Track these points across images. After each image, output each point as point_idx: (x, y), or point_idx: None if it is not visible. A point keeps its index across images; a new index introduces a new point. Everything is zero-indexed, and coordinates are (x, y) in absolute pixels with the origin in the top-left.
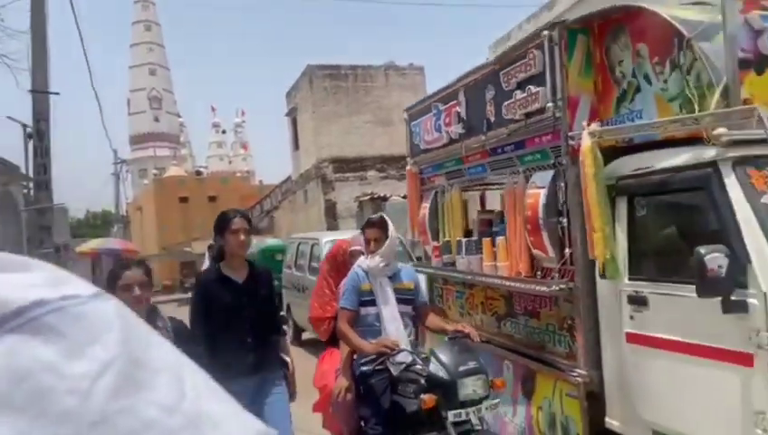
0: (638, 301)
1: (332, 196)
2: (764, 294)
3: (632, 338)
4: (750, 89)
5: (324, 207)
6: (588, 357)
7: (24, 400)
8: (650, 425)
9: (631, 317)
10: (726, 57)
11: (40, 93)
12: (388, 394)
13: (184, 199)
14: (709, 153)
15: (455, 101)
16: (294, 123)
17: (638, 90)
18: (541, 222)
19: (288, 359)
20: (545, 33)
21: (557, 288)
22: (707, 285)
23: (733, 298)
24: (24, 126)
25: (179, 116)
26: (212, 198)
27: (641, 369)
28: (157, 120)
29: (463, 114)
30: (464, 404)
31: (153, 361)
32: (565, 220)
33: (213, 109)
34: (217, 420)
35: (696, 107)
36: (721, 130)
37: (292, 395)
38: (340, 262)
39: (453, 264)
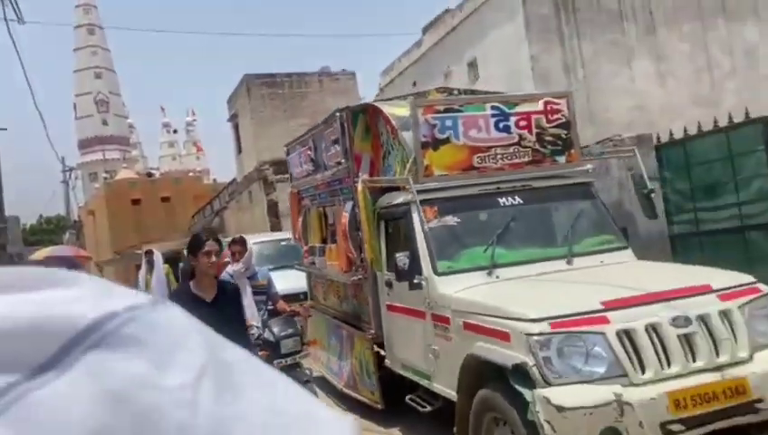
0: (389, 284)
1: (274, 196)
2: (427, 278)
3: (388, 307)
4: (429, 160)
5: (267, 207)
6: (374, 321)
7: (132, 425)
8: (401, 361)
9: (387, 294)
10: (414, 141)
11: None
12: None
13: (136, 202)
14: (407, 197)
15: (308, 146)
16: (236, 128)
17: (388, 153)
18: (348, 234)
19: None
20: (338, 114)
21: (356, 278)
22: (400, 274)
23: (414, 281)
24: None
25: (128, 118)
26: (165, 199)
27: (393, 326)
28: (105, 123)
29: (312, 156)
30: (284, 356)
31: (237, 363)
32: (361, 233)
33: (162, 109)
34: (316, 416)
35: (403, 169)
36: (411, 184)
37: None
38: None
39: (314, 263)
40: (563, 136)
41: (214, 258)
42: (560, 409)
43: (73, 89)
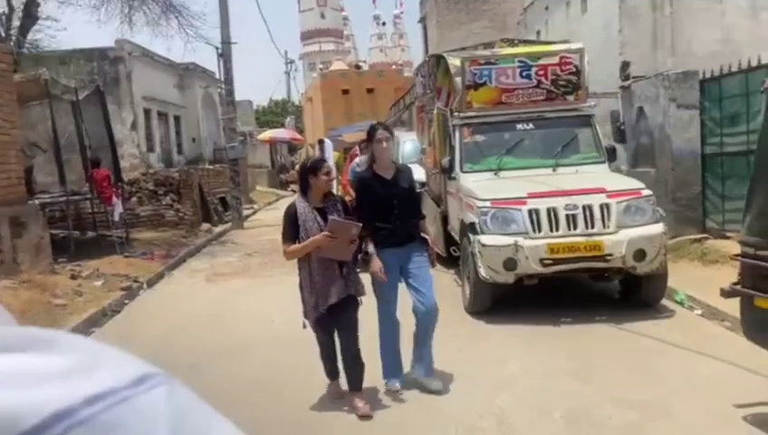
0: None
1: None
2: (457, 174)
3: (446, 192)
4: (470, 97)
5: None
6: (443, 200)
7: None
8: (451, 225)
9: (446, 183)
10: (461, 83)
11: (226, 44)
12: None
13: (346, 91)
14: (454, 121)
15: (422, 73)
16: (425, 29)
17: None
18: (433, 142)
19: (428, 236)
20: (427, 58)
21: (435, 172)
22: (444, 170)
23: (452, 175)
24: (216, 48)
25: (343, 10)
26: (369, 90)
27: (448, 203)
28: (323, 16)
29: (423, 82)
30: None
31: None
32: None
33: (373, 1)
34: None
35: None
36: (455, 114)
37: (432, 263)
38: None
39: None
40: (573, 81)
41: (384, 144)
42: (484, 245)
43: None
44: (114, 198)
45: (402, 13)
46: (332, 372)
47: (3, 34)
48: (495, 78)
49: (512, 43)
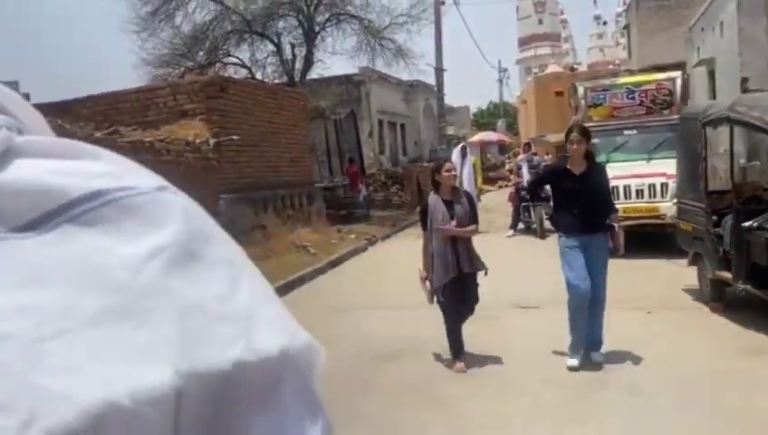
0: None
1: None
2: None
3: None
4: (591, 113)
5: None
6: None
7: (82, 275)
8: None
9: None
10: (585, 103)
11: (438, 70)
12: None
13: (559, 93)
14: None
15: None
16: (629, 36)
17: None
18: None
19: (615, 225)
20: (570, 86)
21: None
22: None
23: None
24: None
25: (562, 14)
26: None
27: None
28: (540, 22)
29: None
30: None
31: (211, 255)
32: None
33: (594, 1)
34: (268, 321)
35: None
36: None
37: (616, 248)
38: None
39: None
40: (667, 100)
41: (575, 146)
42: None
43: None
44: (360, 186)
45: (625, 11)
46: (457, 351)
47: (296, 79)
48: (609, 99)
49: (632, 73)
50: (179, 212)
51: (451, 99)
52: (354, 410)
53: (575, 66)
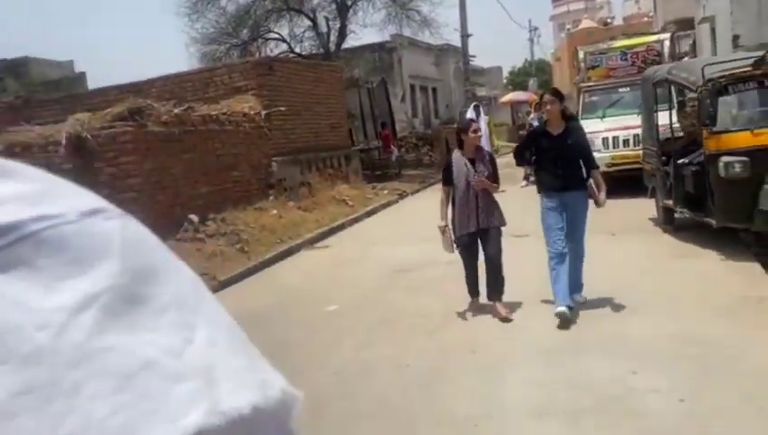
0: None
1: None
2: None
3: None
4: (590, 74)
5: None
6: None
7: None
8: None
9: None
10: (584, 65)
11: (464, 37)
12: None
13: None
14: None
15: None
16: None
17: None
18: None
19: (591, 182)
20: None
21: None
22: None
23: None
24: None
25: None
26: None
27: None
28: None
29: None
30: None
31: (158, 298)
32: None
33: None
34: (232, 373)
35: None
36: (580, 85)
37: (596, 202)
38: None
39: None
40: (657, 61)
41: (548, 106)
42: None
43: None
44: (392, 147)
45: None
46: (473, 291)
47: (331, 51)
48: (605, 62)
49: (629, 36)
50: (116, 244)
51: (483, 60)
52: (379, 299)
53: (608, 21)
